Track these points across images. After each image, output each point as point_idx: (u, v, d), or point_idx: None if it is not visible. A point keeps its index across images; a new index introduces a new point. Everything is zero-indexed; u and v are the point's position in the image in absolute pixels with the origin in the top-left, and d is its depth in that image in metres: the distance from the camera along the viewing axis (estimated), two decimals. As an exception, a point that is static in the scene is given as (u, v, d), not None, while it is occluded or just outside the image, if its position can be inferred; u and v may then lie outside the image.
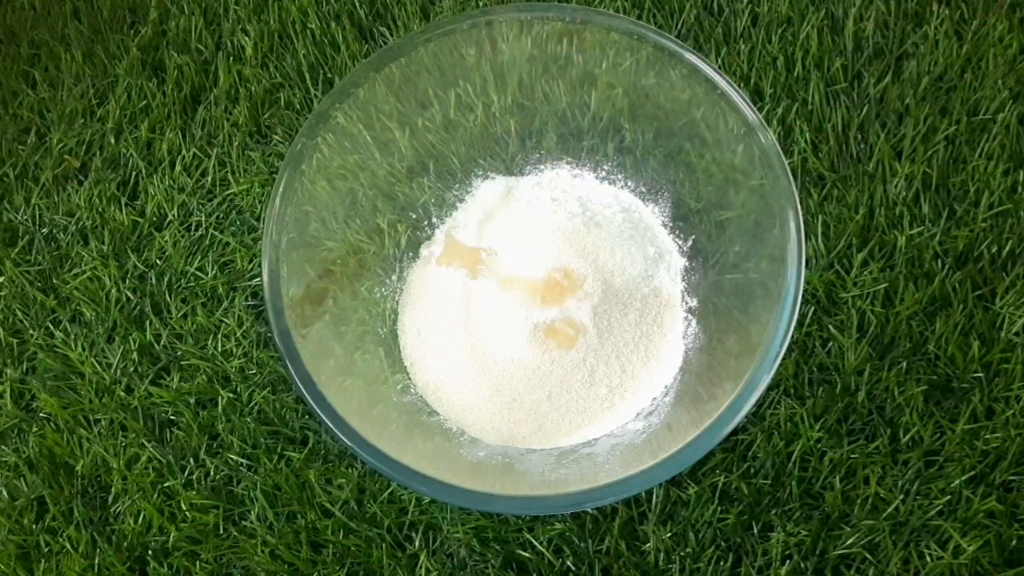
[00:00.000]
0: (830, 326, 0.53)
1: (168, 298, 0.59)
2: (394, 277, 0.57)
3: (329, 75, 0.66)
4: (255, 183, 0.62)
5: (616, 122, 0.56)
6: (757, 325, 0.46)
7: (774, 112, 0.60)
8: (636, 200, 0.57)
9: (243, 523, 0.52)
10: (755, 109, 0.46)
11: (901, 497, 0.49)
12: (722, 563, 0.49)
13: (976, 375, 0.51)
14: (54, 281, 0.60)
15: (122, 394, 0.56)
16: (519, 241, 0.55)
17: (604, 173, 0.58)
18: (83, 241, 0.62)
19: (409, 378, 0.54)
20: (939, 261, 0.55)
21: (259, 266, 0.54)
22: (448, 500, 0.49)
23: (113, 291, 0.59)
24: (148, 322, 0.58)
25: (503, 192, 0.58)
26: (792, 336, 0.43)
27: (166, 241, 0.60)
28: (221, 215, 0.61)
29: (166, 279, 0.59)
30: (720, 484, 0.50)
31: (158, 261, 0.60)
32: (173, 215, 0.61)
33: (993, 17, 0.62)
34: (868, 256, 0.55)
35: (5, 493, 0.54)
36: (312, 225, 0.51)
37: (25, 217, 0.63)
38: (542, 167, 0.59)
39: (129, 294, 0.59)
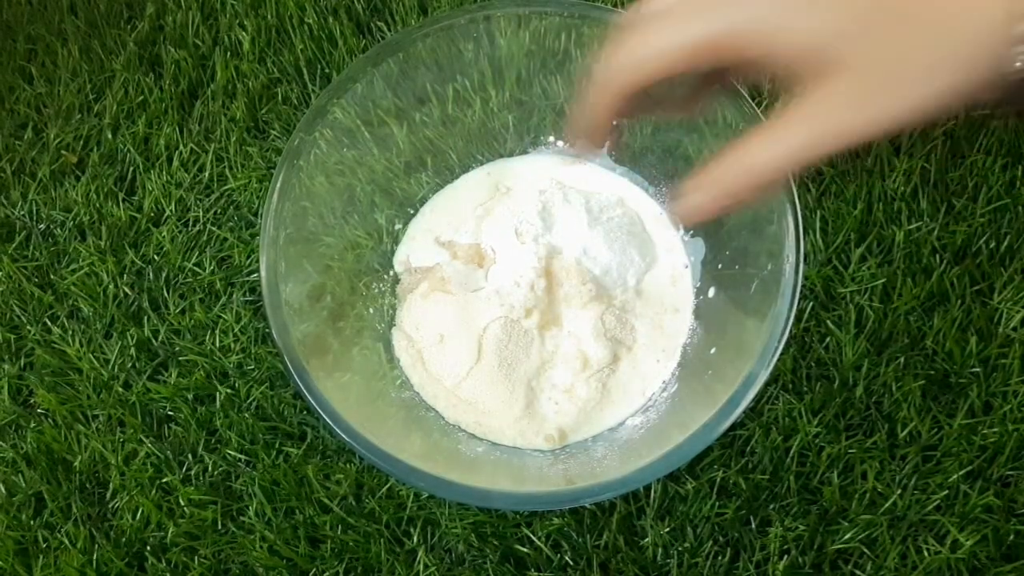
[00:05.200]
0: (828, 321, 0.53)
1: (166, 294, 0.59)
2: (392, 272, 0.56)
3: (327, 70, 0.65)
4: (253, 178, 0.62)
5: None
6: (755, 320, 0.46)
7: (772, 106, 0.59)
8: (634, 195, 0.57)
9: (241, 519, 0.52)
10: (753, 103, 0.46)
11: (899, 492, 0.49)
12: (720, 558, 0.49)
13: (974, 370, 0.51)
14: (51, 277, 0.60)
15: (120, 390, 0.56)
16: (514, 242, 0.55)
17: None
18: (80, 237, 0.62)
19: (406, 374, 0.54)
20: (937, 256, 0.55)
21: (257, 262, 0.54)
22: (447, 496, 0.49)
23: (111, 287, 0.59)
24: (146, 318, 0.58)
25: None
26: (790, 331, 0.43)
27: (164, 237, 0.60)
28: (219, 211, 0.61)
29: (164, 275, 0.59)
30: (718, 479, 0.50)
31: (156, 257, 0.60)
32: (171, 211, 0.61)
33: (992, 12, 0.62)
34: (866, 251, 0.55)
35: (3, 489, 0.54)
36: (310, 221, 0.51)
37: (22, 212, 0.63)
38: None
39: (127, 290, 0.59)
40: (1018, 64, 0.27)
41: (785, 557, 0.48)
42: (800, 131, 0.31)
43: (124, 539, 0.52)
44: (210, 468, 0.53)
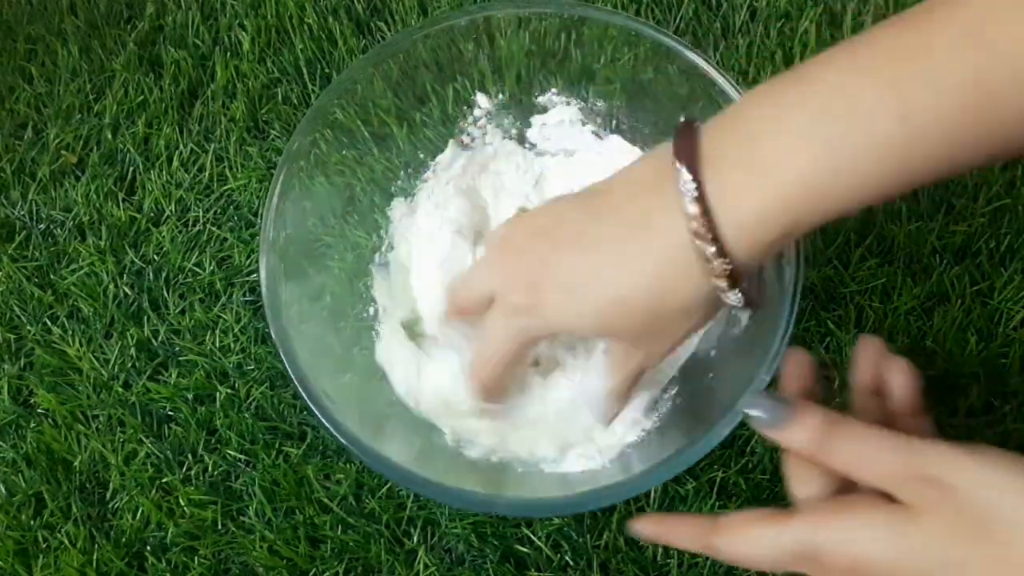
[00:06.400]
0: (828, 321, 0.53)
1: (166, 294, 0.59)
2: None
3: (327, 70, 0.65)
4: (252, 179, 0.61)
5: (614, 117, 0.55)
6: (755, 321, 0.46)
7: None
8: None
9: (241, 519, 0.52)
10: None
11: (899, 492, 0.49)
12: (720, 558, 0.49)
13: (974, 370, 0.51)
14: (51, 277, 0.60)
15: (120, 390, 0.56)
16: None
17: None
18: (80, 236, 0.62)
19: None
20: (937, 256, 0.55)
21: (257, 262, 0.54)
22: (447, 501, 0.49)
23: (111, 287, 0.59)
24: (146, 318, 0.58)
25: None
26: (791, 331, 0.43)
27: (163, 237, 0.60)
28: (219, 211, 0.61)
29: (164, 275, 0.59)
30: (718, 479, 0.50)
31: (156, 257, 0.60)
32: (170, 211, 0.61)
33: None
34: (867, 251, 0.55)
35: (3, 489, 0.54)
36: (310, 221, 0.51)
37: (22, 212, 0.63)
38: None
39: (127, 290, 0.59)
40: (730, 302, 0.37)
41: (785, 557, 0.48)
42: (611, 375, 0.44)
43: (124, 539, 0.52)
44: (210, 468, 0.53)
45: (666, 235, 0.35)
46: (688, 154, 0.35)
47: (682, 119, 0.36)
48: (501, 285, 0.41)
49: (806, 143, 0.32)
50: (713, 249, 0.34)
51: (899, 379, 0.38)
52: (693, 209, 0.34)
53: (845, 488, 0.35)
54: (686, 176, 0.34)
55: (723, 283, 0.35)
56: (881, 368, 0.39)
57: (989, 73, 0.29)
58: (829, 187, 0.32)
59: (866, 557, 0.32)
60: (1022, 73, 0.29)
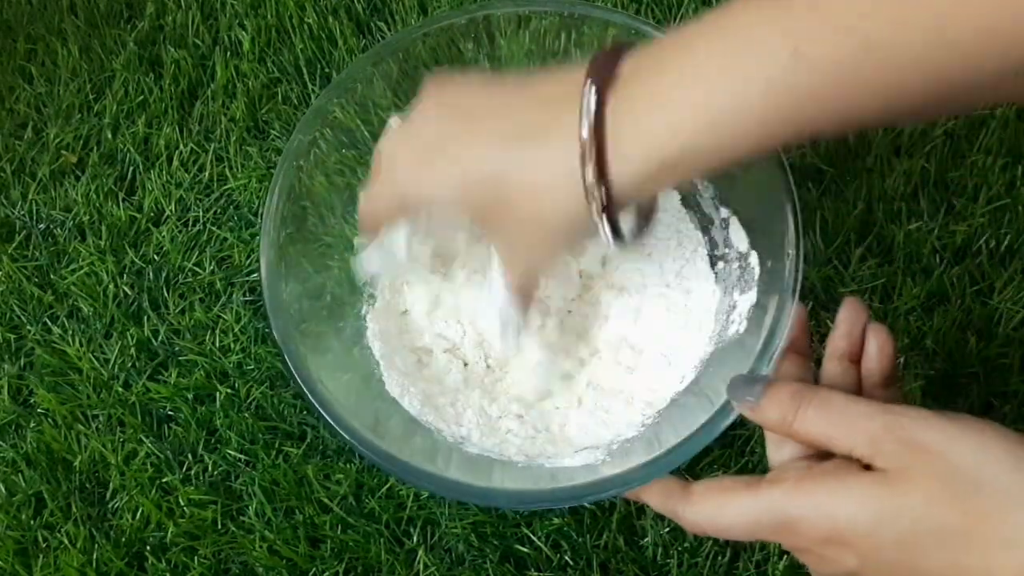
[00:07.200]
0: (828, 321, 0.53)
1: (166, 294, 0.59)
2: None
3: (327, 70, 0.65)
4: (253, 178, 0.62)
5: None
6: (755, 320, 0.46)
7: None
8: None
9: (241, 518, 0.52)
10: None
11: (899, 492, 0.49)
12: (720, 558, 0.49)
13: (974, 370, 0.51)
14: (51, 277, 0.60)
15: (120, 390, 0.56)
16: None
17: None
18: (80, 236, 0.62)
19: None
20: (937, 256, 0.55)
21: (257, 262, 0.54)
22: (448, 495, 0.49)
23: (111, 287, 0.59)
24: (146, 318, 0.58)
25: None
26: (790, 331, 0.43)
27: (163, 236, 0.60)
28: (219, 210, 0.61)
29: (164, 275, 0.59)
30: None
31: (156, 256, 0.60)
32: (171, 210, 0.61)
33: (992, 12, 0.62)
34: (866, 251, 0.55)
35: (3, 489, 0.54)
36: (310, 220, 0.51)
37: (22, 212, 0.63)
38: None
39: (127, 289, 0.59)
40: (600, 231, 0.36)
41: (785, 557, 0.48)
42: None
43: (124, 539, 0.52)
44: (210, 468, 0.53)
45: (560, 148, 0.35)
46: (602, 74, 0.35)
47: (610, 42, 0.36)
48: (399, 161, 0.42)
49: (703, 77, 0.32)
50: (595, 170, 0.34)
51: (876, 343, 0.38)
52: (587, 127, 0.34)
53: (820, 455, 0.35)
54: (591, 94, 0.34)
55: (595, 206, 0.35)
56: (859, 332, 0.38)
57: (878, 19, 0.29)
58: (720, 121, 0.32)
59: (844, 525, 0.31)
60: (907, 22, 0.28)
